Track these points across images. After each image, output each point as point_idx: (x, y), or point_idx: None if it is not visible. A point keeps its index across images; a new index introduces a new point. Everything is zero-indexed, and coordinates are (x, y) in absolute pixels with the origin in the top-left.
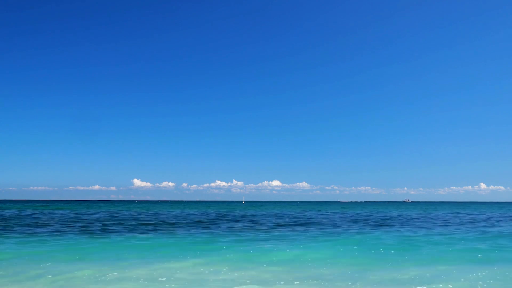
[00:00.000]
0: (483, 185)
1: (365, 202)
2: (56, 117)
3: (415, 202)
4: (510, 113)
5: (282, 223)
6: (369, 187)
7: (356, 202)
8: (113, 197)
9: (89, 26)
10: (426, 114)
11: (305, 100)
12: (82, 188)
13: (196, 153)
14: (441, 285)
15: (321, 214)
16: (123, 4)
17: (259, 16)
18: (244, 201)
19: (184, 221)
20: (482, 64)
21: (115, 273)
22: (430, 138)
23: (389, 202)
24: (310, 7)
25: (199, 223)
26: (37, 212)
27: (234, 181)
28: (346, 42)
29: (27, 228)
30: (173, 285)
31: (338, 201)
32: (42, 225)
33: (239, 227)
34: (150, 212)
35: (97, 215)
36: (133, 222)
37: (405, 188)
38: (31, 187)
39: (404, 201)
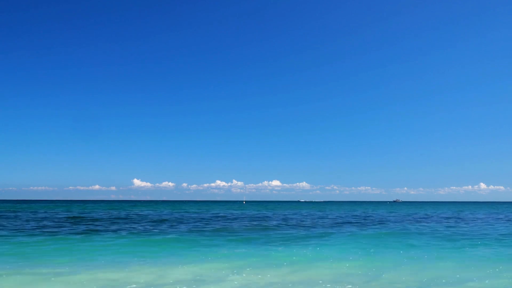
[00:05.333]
0: (483, 185)
1: (324, 202)
2: (56, 117)
3: (407, 202)
4: (510, 113)
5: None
6: (369, 187)
7: (316, 202)
8: (113, 197)
9: (89, 26)
10: (426, 114)
11: (305, 100)
12: (82, 188)
13: (196, 153)
14: None
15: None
16: (123, 4)
17: (258, 17)
18: (245, 201)
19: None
20: (482, 64)
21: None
22: (430, 138)
23: (389, 202)
24: (310, 8)
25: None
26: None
27: (234, 181)
28: (346, 42)
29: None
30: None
31: (298, 200)
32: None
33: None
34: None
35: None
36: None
37: (405, 188)
38: (31, 187)
39: (394, 201)
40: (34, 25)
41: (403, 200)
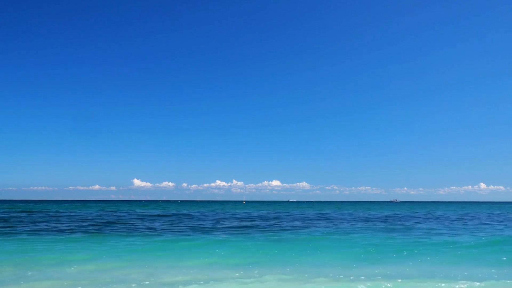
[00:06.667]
0: (483, 185)
1: (313, 201)
2: (56, 117)
3: (405, 202)
4: (510, 113)
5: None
6: (369, 187)
7: (306, 202)
8: (113, 197)
9: (89, 26)
10: (426, 114)
11: (305, 100)
12: (82, 188)
13: (196, 153)
14: None
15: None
16: (123, 4)
17: (259, 17)
18: (245, 201)
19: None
20: (482, 64)
21: None
22: (430, 138)
23: (389, 201)
24: (310, 8)
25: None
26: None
27: (234, 181)
28: (346, 42)
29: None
30: None
31: (289, 201)
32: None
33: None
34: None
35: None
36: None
37: (405, 188)
38: (31, 187)
39: (392, 201)
40: (34, 25)
41: (401, 200)
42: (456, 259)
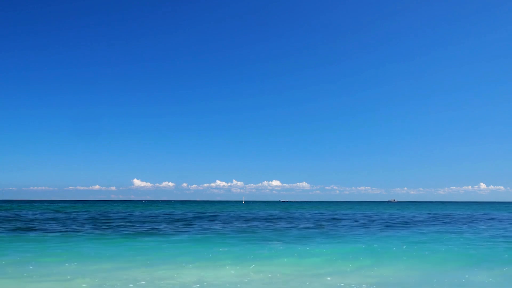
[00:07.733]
0: (483, 185)
1: (304, 201)
2: (56, 117)
3: (404, 202)
4: (510, 113)
5: None
6: (369, 187)
7: (296, 202)
8: (113, 197)
9: (89, 26)
10: (426, 114)
11: (305, 100)
12: (82, 188)
13: (196, 153)
14: None
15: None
16: (123, 4)
17: (259, 17)
18: (244, 201)
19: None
20: (482, 64)
21: None
22: (430, 138)
23: (388, 201)
24: (309, 8)
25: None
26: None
27: (234, 181)
28: (346, 42)
29: None
30: None
31: (280, 200)
32: None
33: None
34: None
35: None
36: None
37: (405, 188)
38: (31, 187)
39: (390, 201)
40: (34, 25)
41: (400, 200)
42: None
